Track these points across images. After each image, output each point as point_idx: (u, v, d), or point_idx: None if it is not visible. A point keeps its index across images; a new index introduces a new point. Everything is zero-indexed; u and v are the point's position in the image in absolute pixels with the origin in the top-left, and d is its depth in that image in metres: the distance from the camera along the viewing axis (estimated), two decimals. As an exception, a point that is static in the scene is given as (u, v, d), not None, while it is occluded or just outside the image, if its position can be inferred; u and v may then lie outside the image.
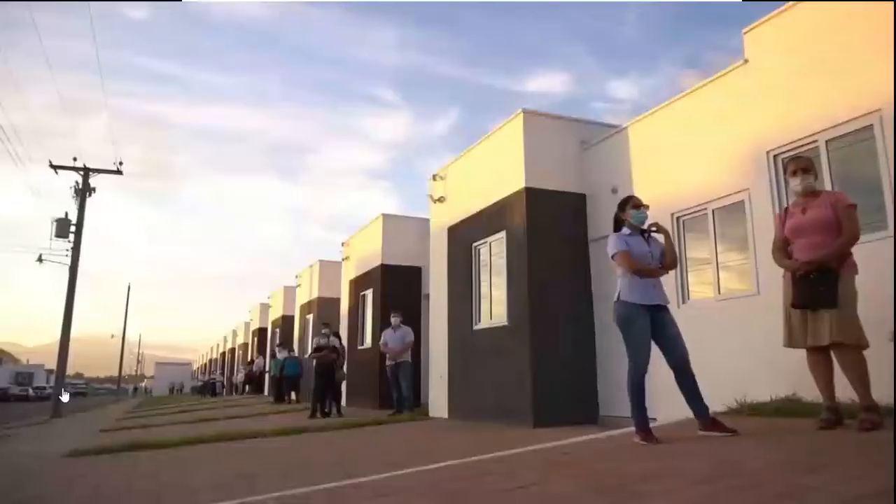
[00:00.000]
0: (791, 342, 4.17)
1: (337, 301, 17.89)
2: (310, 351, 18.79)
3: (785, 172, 4.41)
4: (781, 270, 6.08)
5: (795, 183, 4.29)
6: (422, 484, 3.62)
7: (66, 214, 22.44)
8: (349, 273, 16.21)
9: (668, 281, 7.32)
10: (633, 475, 3.22)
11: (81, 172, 22.82)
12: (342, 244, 16.68)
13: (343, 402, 13.04)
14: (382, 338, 11.14)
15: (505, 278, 8.85)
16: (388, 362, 11.01)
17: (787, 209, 4.41)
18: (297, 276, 21.79)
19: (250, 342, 31.56)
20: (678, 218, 7.33)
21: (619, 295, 4.49)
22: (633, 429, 5.06)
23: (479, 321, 9.67)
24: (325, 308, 18.83)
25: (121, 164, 23.73)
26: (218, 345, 48.17)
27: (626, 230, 4.63)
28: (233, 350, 38.72)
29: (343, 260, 16.65)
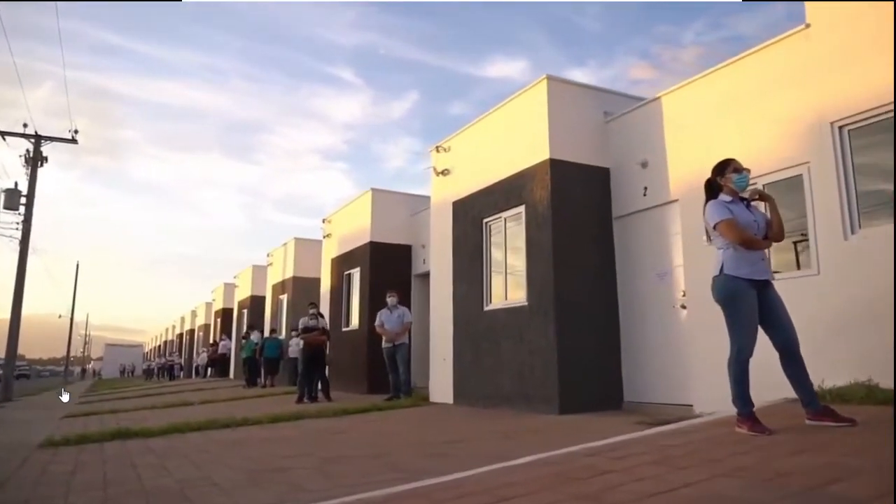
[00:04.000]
0: None
1: (314, 281, 17.13)
2: (285, 333, 18.05)
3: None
4: (846, 248, 5.76)
5: None
6: (532, 485, 3.06)
7: (16, 185, 20.93)
8: (331, 251, 15.44)
9: (711, 261, 6.94)
10: (797, 473, 2.74)
11: (32, 140, 21.26)
12: (323, 221, 15.87)
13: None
14: (378, 318, 10.51)
15: (524, 256, 8.32)
16: (384, 344, 10.40)
17: None
18: (268, 255, 20.85)
19: (213, 323, 30.32)
20: (721, 193, 6.91)
21: (721, 268, 4.01)
22: (711, 417, 4.64)
23: (490, 302, 9.13)
24: (300, 288, 18.05)
25: (76, 132, 22.24)
26: (174, 326, 46.40)
27: (725, 197, 4.13)
28: (192, 331, 37.25)
29: (324, 237, 15.85)
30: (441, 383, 9.97)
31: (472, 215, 9.60)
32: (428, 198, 13.15)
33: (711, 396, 6.61)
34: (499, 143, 9.22)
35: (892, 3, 5.46)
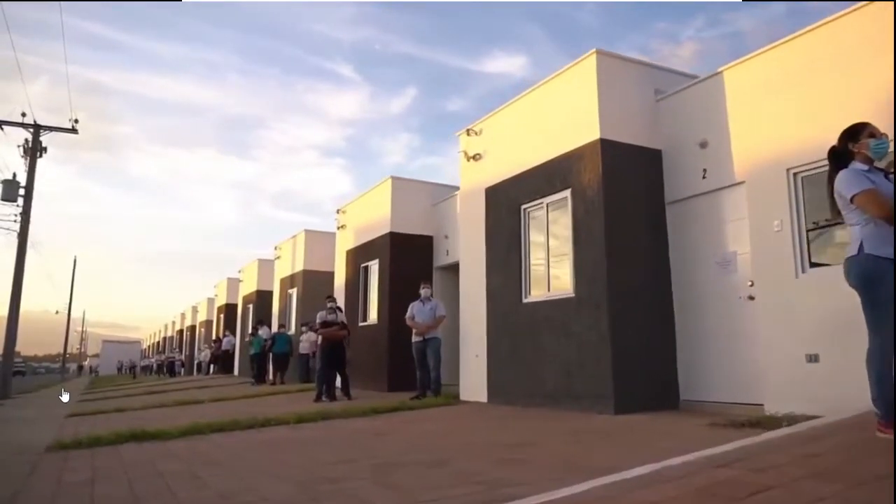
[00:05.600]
0: None
1: (325, 274, 16.53)
2: (294, 328, 17.45)
3: None
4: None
5: None
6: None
7: (14, 176, 20.28)
8: (346, 243, 14.83)
9: (785, 247, 6.38)
10: None
11: (31, 130, 20.58)
12: (337, 211, 15.26)
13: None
14: (409, 311, 9.93)
15: (570, 243, 7.73)
16: (414, 339, 9.83)
17: None
18: (276, 248, 20.21)
19: (215, 319, 29.66)
20: (795, 174, 6.34)
21: (860, 247, 3.43)
22: (830, 419, 4.08)
23: (530, 293, 8.54)
24: (311, 282, 17.44)
25: (76, 121, 21.54)
26: (174, 322, 45.67)
27: (860, 165, 3.55)
28: (192, 328, 36.57)
29: (338, 229, 15.24)
30: (473, 381, 9.39)
31: (508, 202, 9.01)
32: (450, 186, 12.58)
33: (784, 395, 6.06)
34: (539, 124, 8.62)
35: (891, 2, 5.14)
